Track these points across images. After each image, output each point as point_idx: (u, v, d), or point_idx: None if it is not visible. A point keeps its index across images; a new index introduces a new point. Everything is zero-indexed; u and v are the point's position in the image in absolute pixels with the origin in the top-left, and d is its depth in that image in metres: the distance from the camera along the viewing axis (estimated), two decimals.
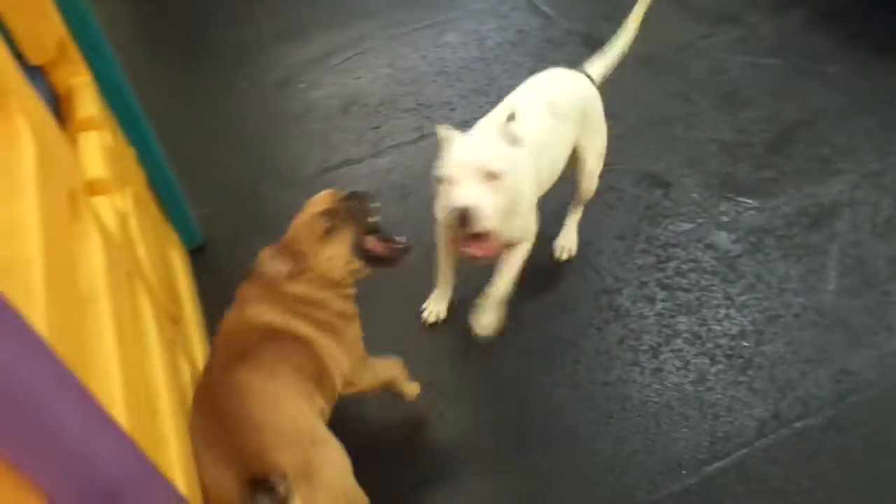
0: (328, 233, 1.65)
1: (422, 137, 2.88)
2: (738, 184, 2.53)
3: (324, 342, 1.62)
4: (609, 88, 3.06)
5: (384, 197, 2.66)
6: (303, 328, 1.61)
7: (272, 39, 3.58)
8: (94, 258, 1.18)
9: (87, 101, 1.75)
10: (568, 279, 2.31)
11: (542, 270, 2.35)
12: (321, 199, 1.74)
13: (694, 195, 2.51)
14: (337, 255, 1.66)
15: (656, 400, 1.97)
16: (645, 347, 2.09)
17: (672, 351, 2.07)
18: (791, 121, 2.76)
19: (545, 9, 3.49)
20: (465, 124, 2.90)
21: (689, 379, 1.99)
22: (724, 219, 2.41)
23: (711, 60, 3.09)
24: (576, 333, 2.15)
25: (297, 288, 1.64)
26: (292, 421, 1.42)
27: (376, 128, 2.96)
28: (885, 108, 2.78)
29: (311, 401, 1.51)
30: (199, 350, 1.95)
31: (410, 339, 2.18)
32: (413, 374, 1.94)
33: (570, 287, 2.28)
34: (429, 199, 2.65)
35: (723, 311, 2.14)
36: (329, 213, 1.67)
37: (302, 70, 3.36)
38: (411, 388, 1.94)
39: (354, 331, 1.73)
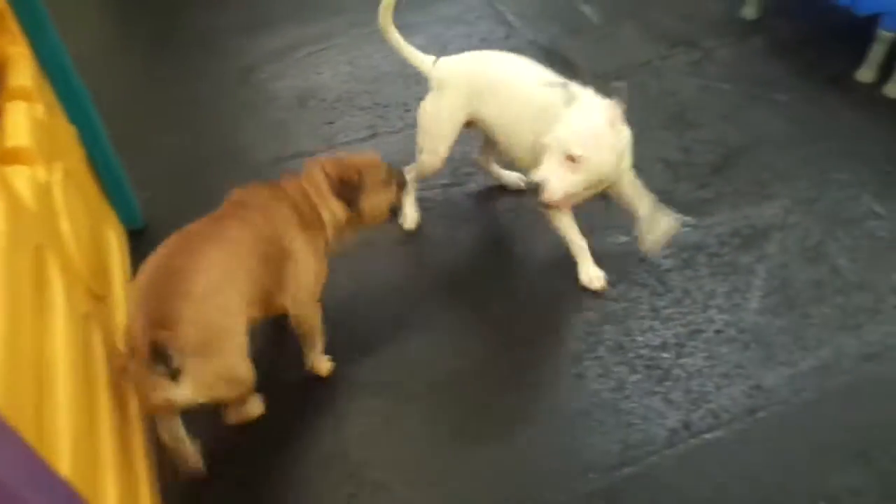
0: (385, 182, 2.00)
1: (374, 136, 2.90)
2: (677, 201, 2.58)
3: (301, 267, 1.84)
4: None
5: None
6: (299, 246, 1.84)
7: (238, 29, 3.59)
8: None
9: (21, 72, 1.75)
10: (500, 286, 2.34)
11: (476, 277, 2.38)
12: (374, 156, 2.05)
13: None
14: (384, 203, 2.02)
15: (574, 405, 2.00)
16: (569, 353, 2.12)
17: (595, 358, 2.11)
18: (735, 144, 2.82)
19: (511, 19, 3.54)
20: (412, 126, 2.95)
21: (608, 386, 2.03)
22: None
23: (665, 80, 3.15)
24: (504, 336, 2.18)
25: (336, 209, 1.92)
26: (219, 313, 1.60)
27: (331, 123, 2.98)
28: (828, 138, 2.85)
29: (248, 307, 1.69)
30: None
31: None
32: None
33: (503, 295, 2.32)
34: None
35: (647, 323, 2.19)
36: (387, 168, 2.03)
37: (265, 60, 3.37)
38: (321, 363, 2.08)
39: (324, 269, 1.95)
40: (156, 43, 3.61)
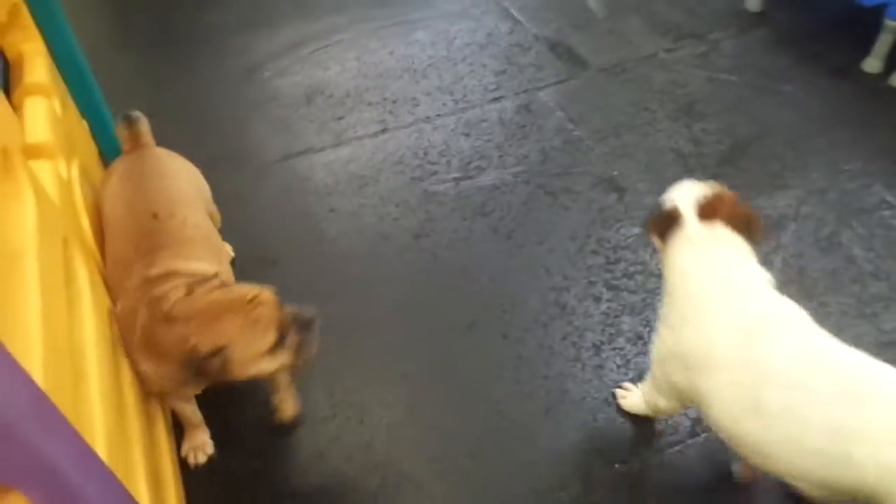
0: (274, 348, 1.49)
1: (384, 131, 2.89)
2: None
3: None
4: (572, 92, 3.12)
5: (342, 188, 2.68)
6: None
7: (241, 26, 3.56)
8: (24, 216, 1.17)
9: (37, 68, 1.73)
10: (518, 276, 2.34)
11: (493, 266, 2.38)
12: (271, 303, 1.50)
13: (647, 201, 2.56)
14: (263, 372, 1.53)
15: (595, 395, 2.00)
16: (588, 345, 2.12)
17: (614, 349, 2.10)
18: (744, 135, 2.83)
19: (515, 13, 3.53)
20: (427, 120, 2.95)
21: (629, 377, 2.03)
22: None
23: (673, 73, 3.15)
24: (521, 329, 2.17)
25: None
26: None
27: (340, 118, 2.97)
28: (835, 129, 2.86)
29: None
30: None
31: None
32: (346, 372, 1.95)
33: (520, 284, 2.31)
34: (387, 191, 2.68)
35: None
36: (281, 327, 1.50)
37: (269, 58, 3.35)
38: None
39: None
40: (155, 40, 3.57)
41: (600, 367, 2.07)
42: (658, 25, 3.44)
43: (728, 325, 1.45)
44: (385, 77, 3.17)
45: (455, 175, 2.69)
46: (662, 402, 1.68)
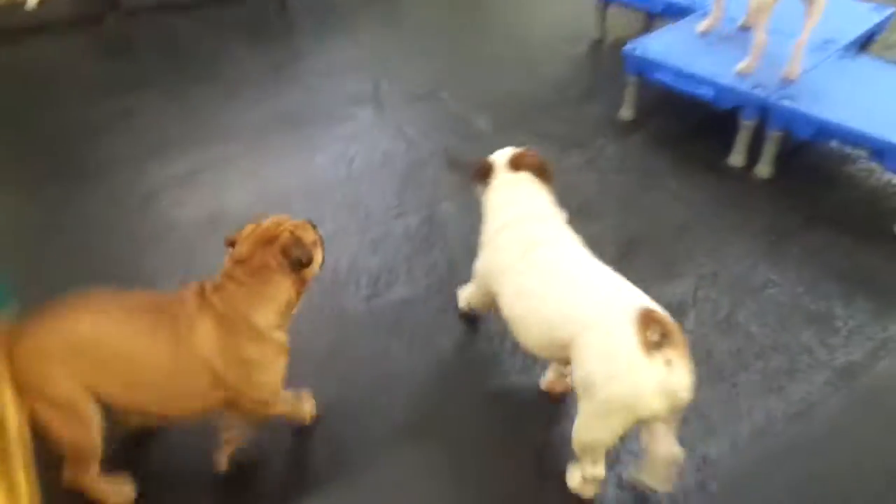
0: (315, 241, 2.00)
1: None
2: None
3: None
4: (473, 202, 3.21)
5: None
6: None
7: (136, 156, 3.50)
8: None
9: None
10: (443, 386, 2.29)
11: (412, 380, 2.33)
12: (286, 217, 1.99)
13: None
14: (320, 259, 2.02)
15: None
16: (535, 446, 2.08)
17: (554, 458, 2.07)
18: (636, 230, 3.00)
19: (409, 133, 3.67)
20: (330, 239, 2.93)
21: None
22: None
23: (565, 178, 3.32)
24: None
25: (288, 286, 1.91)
26: None
27: None
28: (716, 217, 3.09)
29: None
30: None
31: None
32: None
33: (447, 393, 2.27)
34: (296, 311, 2.60)
35: None
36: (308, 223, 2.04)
37: (166, 186, 3.29)
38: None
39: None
40: (41, 175, 3.42)
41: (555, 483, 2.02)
42: (543, 138, 3.66)
43: (514, 243, 2.02)
44: (287, 199, 3.17)
45: (365, 292, 2.67)
46: (475, 301, 2.34)
